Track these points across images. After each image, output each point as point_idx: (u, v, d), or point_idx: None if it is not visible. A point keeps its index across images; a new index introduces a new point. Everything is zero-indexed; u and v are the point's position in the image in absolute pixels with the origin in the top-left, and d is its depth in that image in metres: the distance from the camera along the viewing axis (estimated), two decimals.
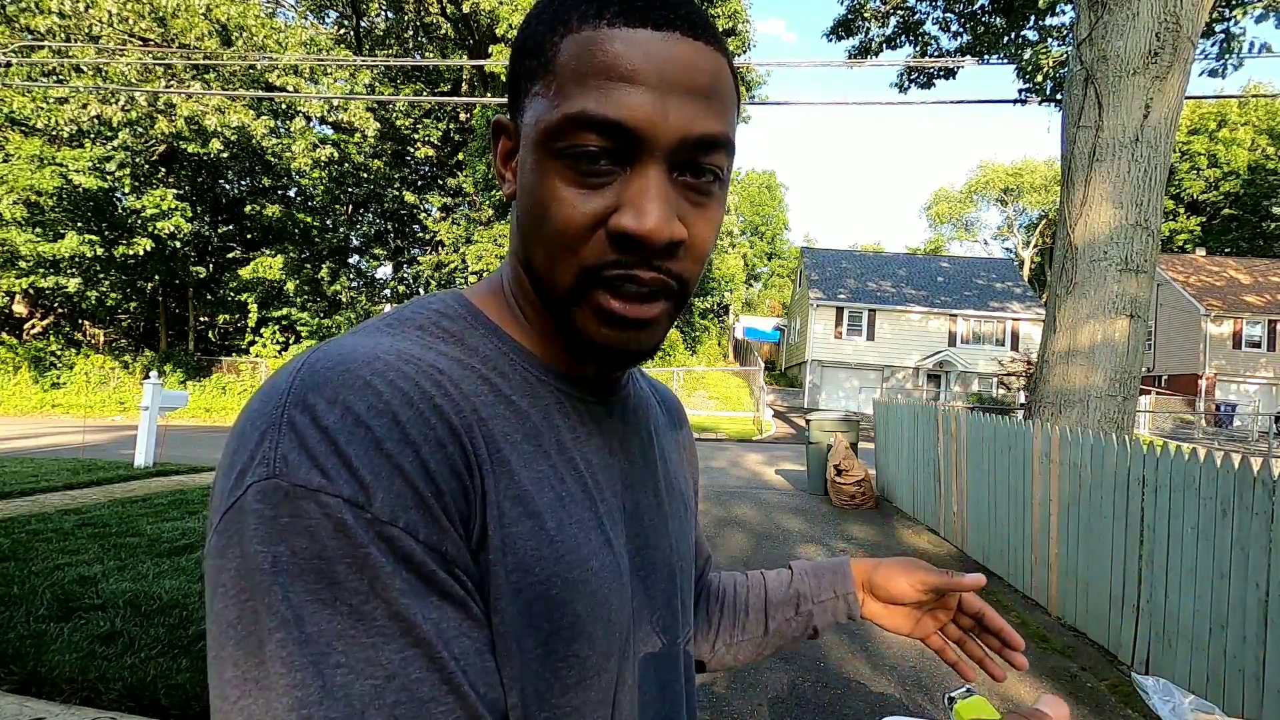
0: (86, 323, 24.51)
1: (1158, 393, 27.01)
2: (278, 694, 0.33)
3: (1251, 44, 6.21)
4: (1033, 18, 10.15)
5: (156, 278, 22.43)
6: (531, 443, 0.46)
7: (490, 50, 21.62)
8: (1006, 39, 10.53)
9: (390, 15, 27.48)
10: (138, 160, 19.56)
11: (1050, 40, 10.08)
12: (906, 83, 11.35)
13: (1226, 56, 6.14)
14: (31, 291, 20.15)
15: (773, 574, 0.79)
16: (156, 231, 19.72)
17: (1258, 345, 27.86)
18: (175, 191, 20.17)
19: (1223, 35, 6.26)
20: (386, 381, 0.39)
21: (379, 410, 0.37)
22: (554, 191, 0.43)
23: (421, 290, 28.04)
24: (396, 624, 0.35)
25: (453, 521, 0.39)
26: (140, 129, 18.05)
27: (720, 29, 24.56)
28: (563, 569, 0.43)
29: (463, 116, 26.13)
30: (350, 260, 27.24)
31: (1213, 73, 6.18)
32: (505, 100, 0.51)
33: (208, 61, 16.57)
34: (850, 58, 11.62)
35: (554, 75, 0.43)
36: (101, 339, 24.60)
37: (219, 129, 17.54)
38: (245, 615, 0.34)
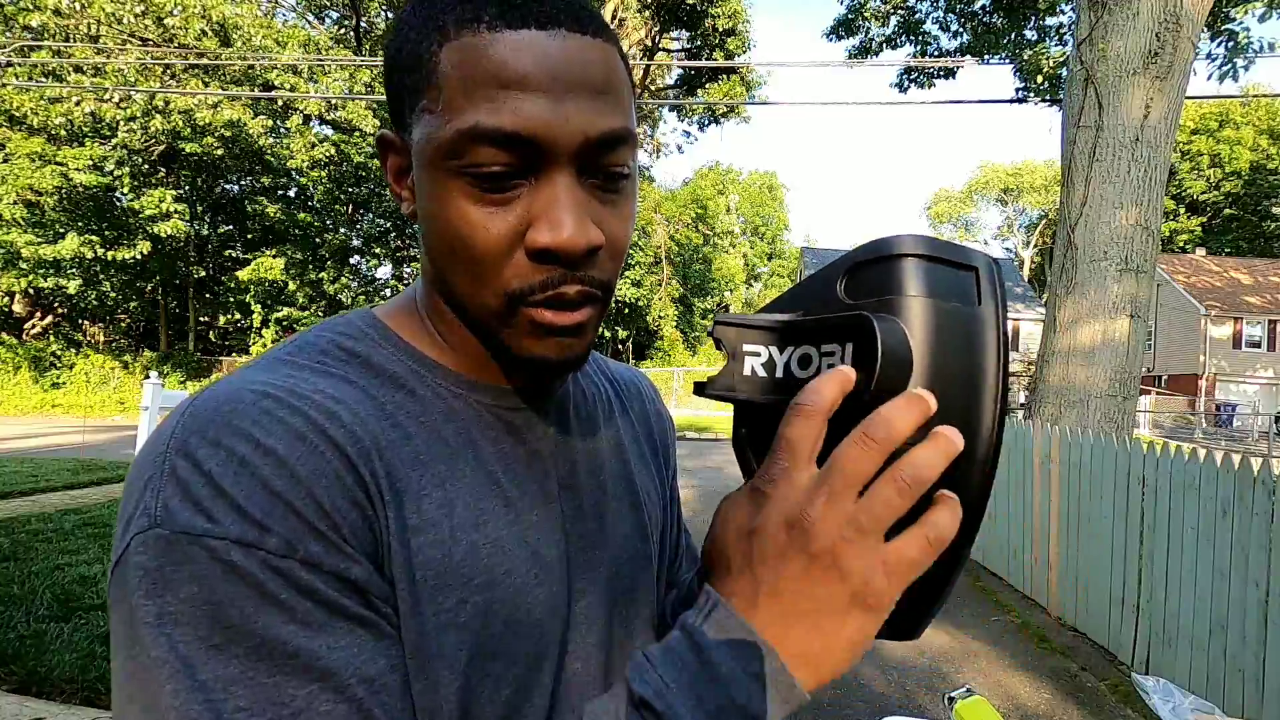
0: (86, 323, 24.51)
1: (1158, 393, 27.00)
2: None
3: (1259, 44, 6.17)
4: (1033, 18, 10.15)
5: (156, 278, 22.43)
6: (445, 462, 0.45)
7: None
8: (1006, 39, 10.53)
9: (390, 15, 27.51)
10: (137, 160, 19.55)
11: (1050, 40, 10.08)
12: (906, 83, 11.35)
13: (1234, 58, 6.10)
14: (31, 291, 20.14)
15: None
16: (155, 232, 19.72)
17: (1258, 345, 27.88)
18: (174, 192, 20.15)
19: (1227, 37, 6.22)
20: (275, 419, 0.37)
21: (265, 450, 0.36)
22: (461, 213, 0.41)
23: None
24: (297, 660, 0.34)
25: (358, 550, 0.38)
26: (136, 125, 18.02)
27: (720, 29, 24.72)
28: (472, 593, 0.43)
29: None
30: (351, 260, 27.25)
31: (1221, 77, 6.14)
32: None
33: (205, 61, 16.56)
34: (850, 57, 11.62)
35: (438, 88, 0.41)
36: (101, 339, 24.60)
37: (212, 124, 17.50)
38: (137, 671, 0.34)
